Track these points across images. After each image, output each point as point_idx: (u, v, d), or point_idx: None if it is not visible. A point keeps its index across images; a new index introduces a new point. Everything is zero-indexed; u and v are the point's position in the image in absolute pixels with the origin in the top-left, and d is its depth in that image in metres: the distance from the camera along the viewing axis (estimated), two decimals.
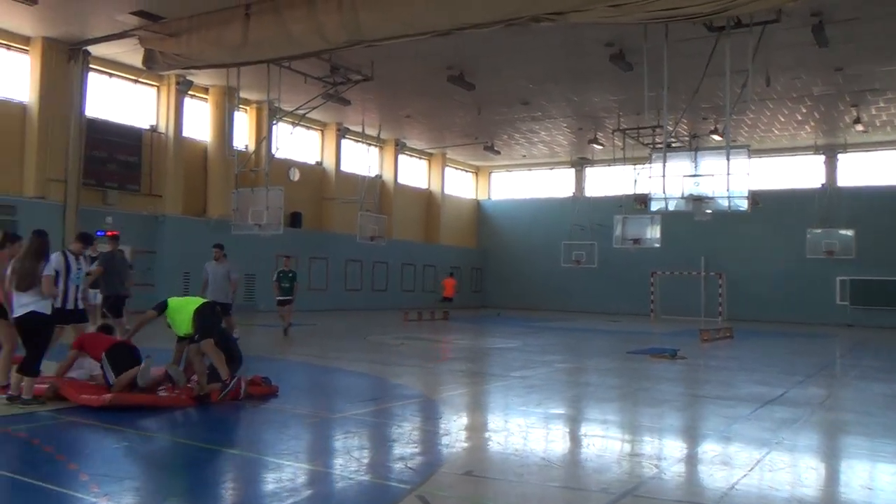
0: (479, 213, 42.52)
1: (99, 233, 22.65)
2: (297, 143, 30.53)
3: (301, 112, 23.54)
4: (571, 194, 38.18)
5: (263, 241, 26.06)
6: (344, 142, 32.31)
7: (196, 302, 7.95)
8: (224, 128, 25.40)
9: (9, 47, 21.04)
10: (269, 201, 19.60)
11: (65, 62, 21.53)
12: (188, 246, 24.56)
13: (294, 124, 25.88)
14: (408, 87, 25.21)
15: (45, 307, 7.03)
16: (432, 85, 24.40)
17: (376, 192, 31.12)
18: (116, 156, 23.49)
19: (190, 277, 24.77)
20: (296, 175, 30.14)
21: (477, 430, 7.02)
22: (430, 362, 13.06)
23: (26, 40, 21.17)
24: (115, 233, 23.12)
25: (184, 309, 7.71)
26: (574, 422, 7.88)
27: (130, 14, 18.68)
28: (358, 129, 30.74)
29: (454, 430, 6.84)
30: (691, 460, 6.08)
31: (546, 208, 39.27)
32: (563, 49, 20.53)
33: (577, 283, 37.17)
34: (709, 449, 6.45)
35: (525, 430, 6.97)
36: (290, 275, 17.49)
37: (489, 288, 41.02)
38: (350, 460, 5.60)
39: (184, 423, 6.85)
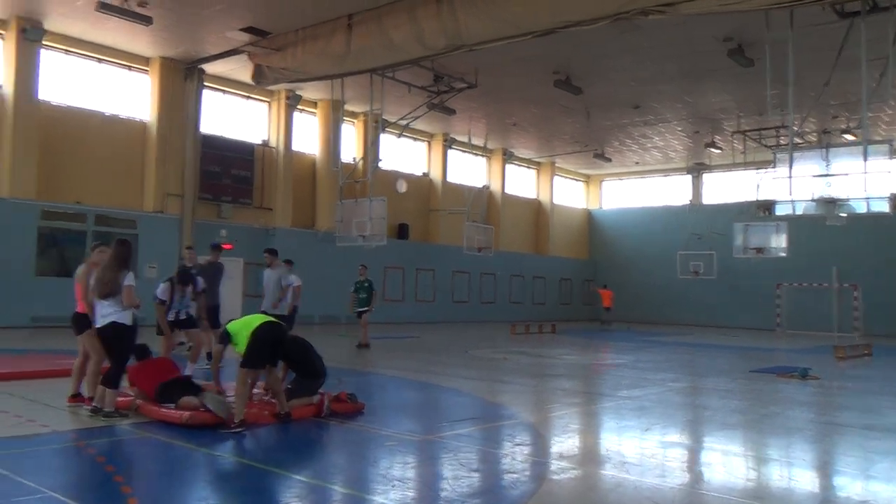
0: (591, 223, 41.26)
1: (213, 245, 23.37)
2: (404, 155, 30.58)
3: (406, 122, 23.44)
4: (688, 202, 36.37)
5: (369, 252, 26.13)
6: (450, 152, 32.09)
7: (254, 322, 7.27)
8: (331, 140, 25.68)
9: (130, 68, 22.03)
10: (372, 212, 19.46)
11: (181, 80, 22.36)
12: (297, 258, 24.77)
13: (399, 135, 25.85)
14: (513, 95, 24.63)
15: (125, 318, 6.91)
16: (538, 91, 23.72)
17: (483, 203, 30.70)
18: (230, 170, 24.16)
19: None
20: (402, 186, 30.11)
21: (581, 458, 6.29)
22: (534, 379, 12.35)
23: (146, 61, 22.12)
24: (229, 245, 23.91)
25: (242, 332, 7.09)
26: (690, 452, 7.00)
27: (240, 31, 19.09)
28: (464, 138, 30.49)
29: (555, 458, 6.14)
30: None
31: (661, 217, 37.59)
32: (675, 46, 19.36)
33: (694, 295, 35.30)
34: (850, 491, 5.47)
35: (635, 462, 6.19)
36: (367, 285, 16.78)
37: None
38: (432, 493, 5.05)
39: (259, 444, 6.50)
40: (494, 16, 14.26)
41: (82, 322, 7.14)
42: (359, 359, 14.44)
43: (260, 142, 25.32)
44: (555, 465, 5.91)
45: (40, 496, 4.48)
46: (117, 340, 6.90)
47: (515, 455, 6.22)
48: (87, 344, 7.29)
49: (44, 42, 19.66)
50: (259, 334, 7.00)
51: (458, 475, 5.48)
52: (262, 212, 25.07)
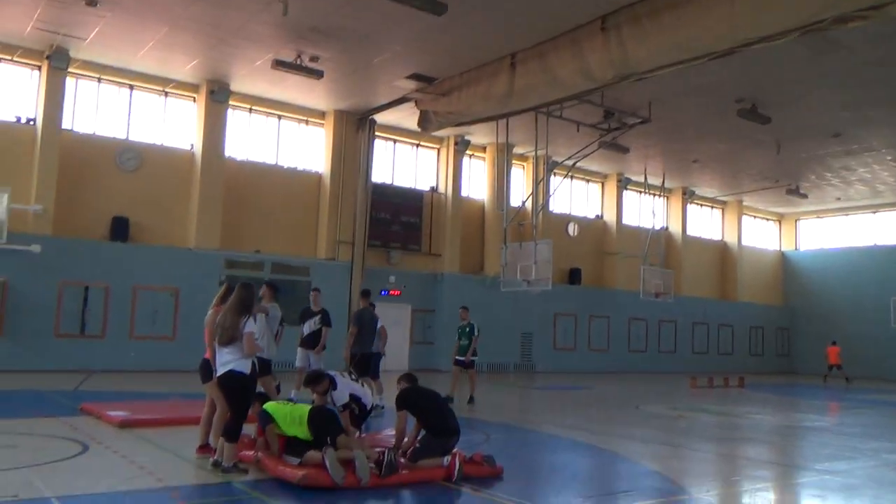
0: (785, 266, 37.57)
1: (383, 292, 23.65)
2: (576, 197, 29.58)
3: (574, 162, 22.57)
4: None
5: (542, 298, 25.28)
6: (626, 193, 30.61)
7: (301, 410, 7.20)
8: (499, 185, 25.32)
9: (307, 122, 23.04)
10: (537, 255, 18.61)
11: (354, 131, 23.02)
12: (465, 303, 24.50)
13: (568, 175, 24.96)
14: (692, 128, 22.91)
15: (244, 366, 6.57)
16: (721, 123, 21.88)
17: (661, 246, 28.85)
18: (399, 217, 24.42)
19: None
20: (575, 230, 29.11)
21: None
22: (713, 443, 10.76)
23: (321, 115, 23.04)
24: (397, 292, 24.04)
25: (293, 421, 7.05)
26: None
27: (407, 78, 19.28)
28: (640, 178, 28.96)
29: None
30: None
31: (869, 258, 33.41)
32: (881, 64, 16.99)
33: None
34: None
35: None
36: (468, 329, 14.29)
37: (798, 351, 35.72)
38: None
39: None
40: (665, 39, 13.16)
41: (208, 369, 6.90)
42: (517, 413, 13.50)
43: (429, 188, 25.45)
44: None
45: None
46: (235, 390, 6.58)
47: None
48: (211, 393, 7.05)
49: (230, 102, 21.01)
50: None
51: None
52: (430, 258, 25.04)
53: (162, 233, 20.24)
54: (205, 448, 7.14)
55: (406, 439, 7.30)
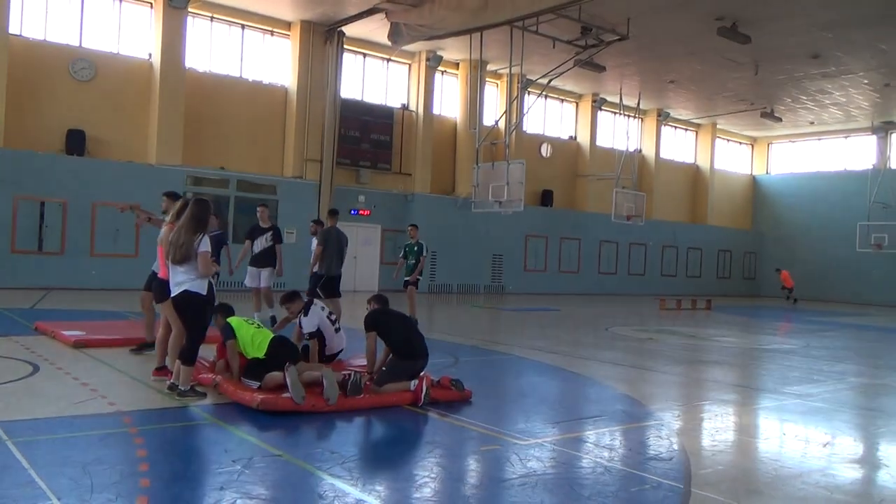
0: (756, 191, 37.71)
1: (353, 212, 23.21)
2: (549, 118, 29.01)
3: (550, 80, 21.96)
4: (871, 166, 32.11)
5: (510, 219, 25.07)
6: (600, 114, 30.13)
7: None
8: (472, 103, 24.65)
9: (272, 33, 22.00)
10: (510, 176, 18.21)
11: (321, 44, 22.06)
12: (436, 224, 24.26)
13: (542, 94, 24.35)
14: (671, 47, 22.33)
15: (200, 286, 6.20)
16: (700, 42, 21.34)
17: (634, 168, 28.53)
18: (369, 135, 23.75)
19: (437, 256, 24.51)
20: (547, 151, 28.68)
21: (733, 488, 4.87)
22: (682, 366, 10.75)
23: (287, 25, 21.99)
24: (366, 212, 23.62)
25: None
26: (872, 485, 5.36)
27: None
28: (615, 99, 28.40)
29: (698, 485, 4.77)
30: None
31: (839, 183, 33.59)
32: None
33: (877, 271, 31.40)
34: None
35: (807, 494, 4.71)
36: (416, 248, 13.35)
37: (765, 275, 36.20)
38: None
39: (319, 436, 5.60)
40: None
41: (164, 289, 6.51)
42: (486, 335, 13.41)
43: (400, 105, 24.71)
44: (696, 494, 4.55)
45: (33, 491, 3.79)
46: (191, 311, 6.22)
47: (645, 479, 4.90)
48: (166, 313, 6.70)
49: (189, 9, 19.88)
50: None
51: (559, 502, 4.29)
52: (400, 177, 24.55)
53: (121, 148, 19.44)
54: (161, 370, 6.84)
55: (376, 363, 7.09)
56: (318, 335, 7.55)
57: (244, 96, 21.53)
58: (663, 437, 6.10)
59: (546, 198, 28.17)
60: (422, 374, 6.66)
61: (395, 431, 5.92)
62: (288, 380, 5.87)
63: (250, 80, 21.78)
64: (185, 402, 6.08)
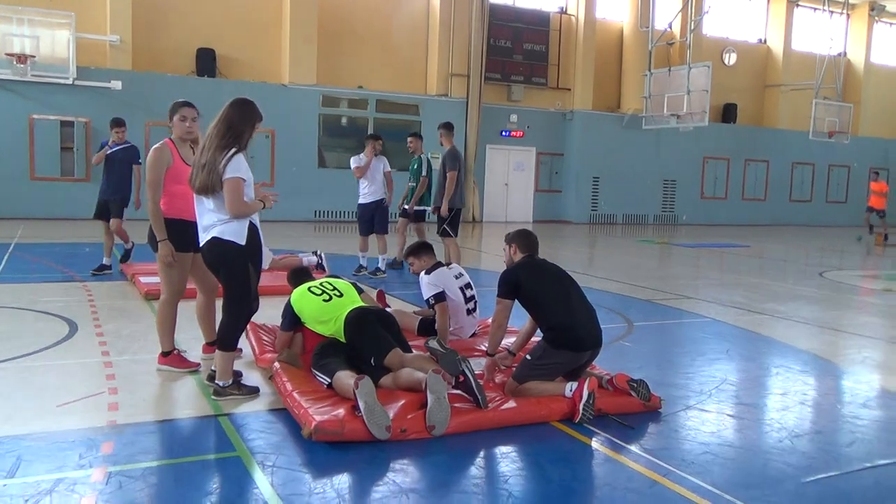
0: None
1: (504, 133, 20.85)
2: (733, 19, 24.75)
3: None
4: None
5: (684, 140, 21.74)
6: (797, 10, 25.38)
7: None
8: (641, 3, 21.19)
9: None
10: (690, 83, 14.96)
11: None
12: (599, 146, 21.41)
13: None
14: None
15: (235, 232, 4.02)
16: None
17: (840, 75, 23.88)
18: (522, 45, 21.02)
19: (599, 182, 21.74)
20: (731, 58, 24.59)
21: None
22: None
23: None
24: (519, 133, 21.08)
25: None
26: None
27: None
28: None
29: None
30: None
31: None
32: None
33: None
34: None
35: None
36: (416, 166, 10.19)
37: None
38: None
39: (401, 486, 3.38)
40: None
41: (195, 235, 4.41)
42: (661, 284, 10.65)
43: (557, 9, 21.64)
44: None
45: None
46: (225, 269, 4.08)
47: None
48: (192, 271, 4.70)
49: None
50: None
51: None
52: (558, 93, 21.70)
53: (252, 67, 18.12)
54: (212, 346, 4.85)
55: (513, 345, 4.77)
56: (443, 299, 5.34)
57: (381, 7, 19.48)
58: None
59: (728, 113, 24.27)
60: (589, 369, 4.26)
61: (533, 481, 3.50)
62: (360, 403, 3.63)
63: None
64: (225, 400, 4.09)
